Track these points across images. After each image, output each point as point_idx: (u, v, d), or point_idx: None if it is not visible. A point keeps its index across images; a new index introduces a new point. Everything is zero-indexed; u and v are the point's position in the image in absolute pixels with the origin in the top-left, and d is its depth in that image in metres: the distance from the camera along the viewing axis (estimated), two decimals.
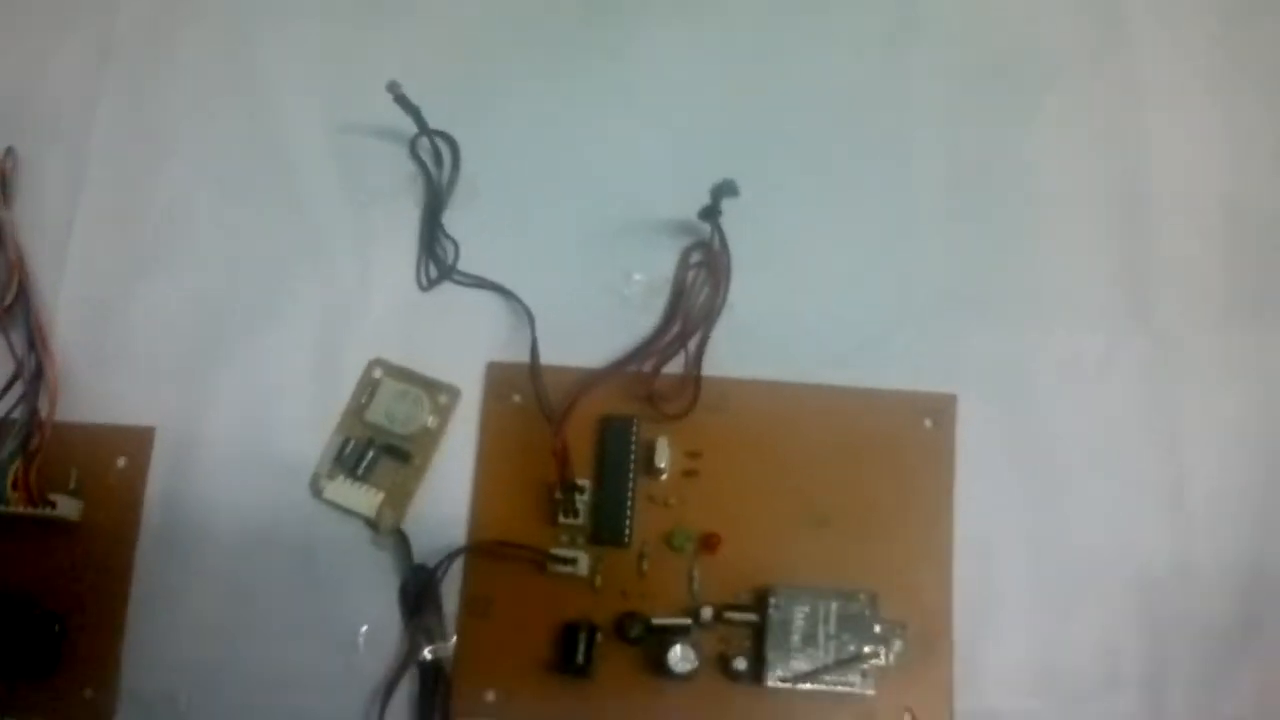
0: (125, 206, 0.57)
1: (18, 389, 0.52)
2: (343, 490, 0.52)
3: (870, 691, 0.48)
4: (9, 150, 0.56)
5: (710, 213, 0.52)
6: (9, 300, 0.53)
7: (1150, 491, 0.52)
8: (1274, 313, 0.54)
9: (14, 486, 0.51)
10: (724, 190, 0.50)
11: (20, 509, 0.51)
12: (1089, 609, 0.51)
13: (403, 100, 0.53)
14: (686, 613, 0.50)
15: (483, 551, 0.51)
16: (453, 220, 0.56)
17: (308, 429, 0.53)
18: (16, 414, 0.52)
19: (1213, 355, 0.53)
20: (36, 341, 0.53)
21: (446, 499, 0.52)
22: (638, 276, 0.55)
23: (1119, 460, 0.52)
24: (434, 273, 0.55)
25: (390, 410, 0.52)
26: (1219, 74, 0.56)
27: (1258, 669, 0.50)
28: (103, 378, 0.54)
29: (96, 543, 0.52)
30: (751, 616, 0.49)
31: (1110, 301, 0.54)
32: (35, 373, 0.52)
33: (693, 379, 0.52)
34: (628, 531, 0.51)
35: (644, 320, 0.54)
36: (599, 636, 0.50)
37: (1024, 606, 0.50)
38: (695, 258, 0.54)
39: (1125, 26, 0.57)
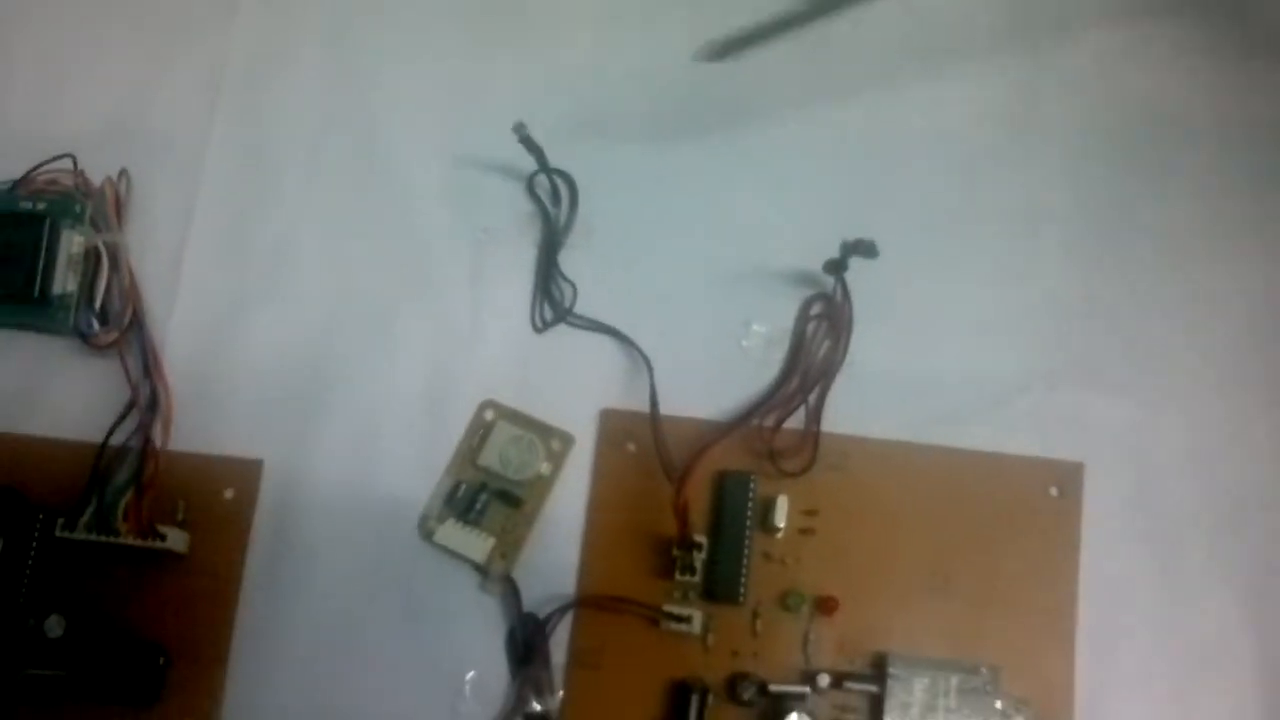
0: (237, 235, 0.56)
1: (133, 418, 0.52)
2: (453, 534, 0.51)
3: None
4: (123, 172, 0.56)
5: (837, 266, 0.51)
6: (125, 326, 0.53)
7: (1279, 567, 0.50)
8: None
9: (124, 517, 0.50)
10: (859, 248, 0.49)
11: (130, 540, 0.50)
12: (1215, 694, 0.49)
13: (527, 141, 0.52)
14: (800, 675, 0.49)
15: (594, 604, 0.50)
16: (569, 261, 0.55)
17: (416, 468, 0.53)
18: (131, 443, 0.51)
19: None
20: (151, 369, 0.52)
21: (556, 547, 0.52)
22: (757, 327, 0.54)
23: (1249, 536, 0.50)
24: (549, 314, 0.54)
25: (504, 455, 0.52)
26: None
27: None
28: (212, 408, 0.54)
29: (203, 576, 0.52)
30: (872, 688, 0.48)
31: (1243, 372, 0.52)
32: (150, 401, 0.52)
33: (812, 435, 0.51)
34: (742, 590, 0.50)
35: (762, 373, 0.53)
36: (710, 698, 0.49)
37: (1150, 687, 0.49)
38: (816, 309, 0.53)
39: (1258, 88, 0.55)
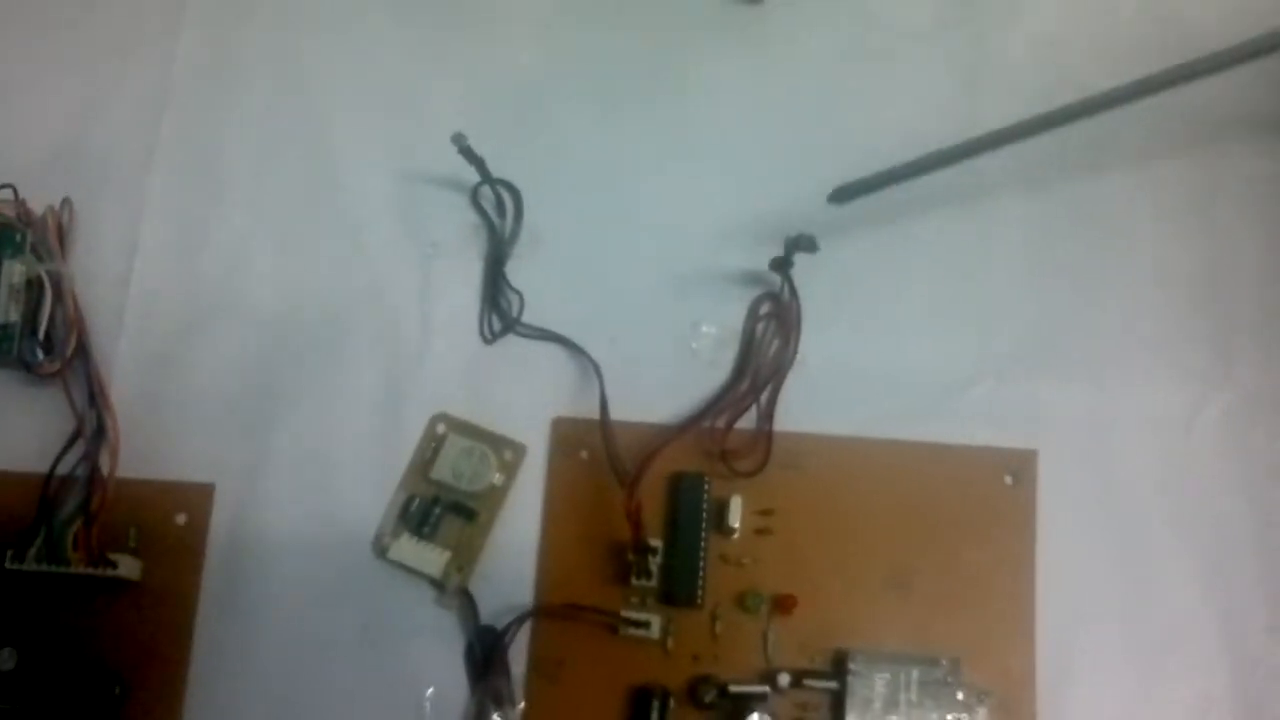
0: (184, 259, 0.56)
1: (79, 447, 0.51)
2: (408, 549, 0.51)
3: None
4: (65, 201, 0.55)
5: (782, 264, 0.51)
6: (69, 355, 0.52)
7: (1239, 548, 0.50)
8: None
9: (74, 546, 0.50)
10: (800, 244, 0.49)
11: (81, 569, 0.50)
12: (1179, 673, 0.49)
13: (467, 152, 0.52)
14: (762, 676, 0.48)
15: (552, 614, 0.50)
16: (516, 271, 0.55)
17: (369, 485, 0.52)
18: (78, 471, 0.51)
19: None
20: (97, 397, 0.52)
21: (512, 558, 0.51)
22: (706, 328, 0.54)
23: (1206, 517, 0.50)
24: (498, 325, 0.54)
25: (456, 467, 0.51)
26: None
27: None
28: (162, 433, 0.53)
29: (157, 602, 0.51)
30: (832, 684, 0.47)
31: (1195, 354, 0.52)
32: (96, 430, 0.51)
33: (765, 435, 0.51)
34: (700, 593, 0.49)
35: (713, 374, 0.53)
36: (671, 702, 0.48)
37: (1111, 672, 0.49)
38: (765, 309, 0.53)
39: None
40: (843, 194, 0.52)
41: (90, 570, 0.50)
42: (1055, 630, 0.49)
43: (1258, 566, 0.50)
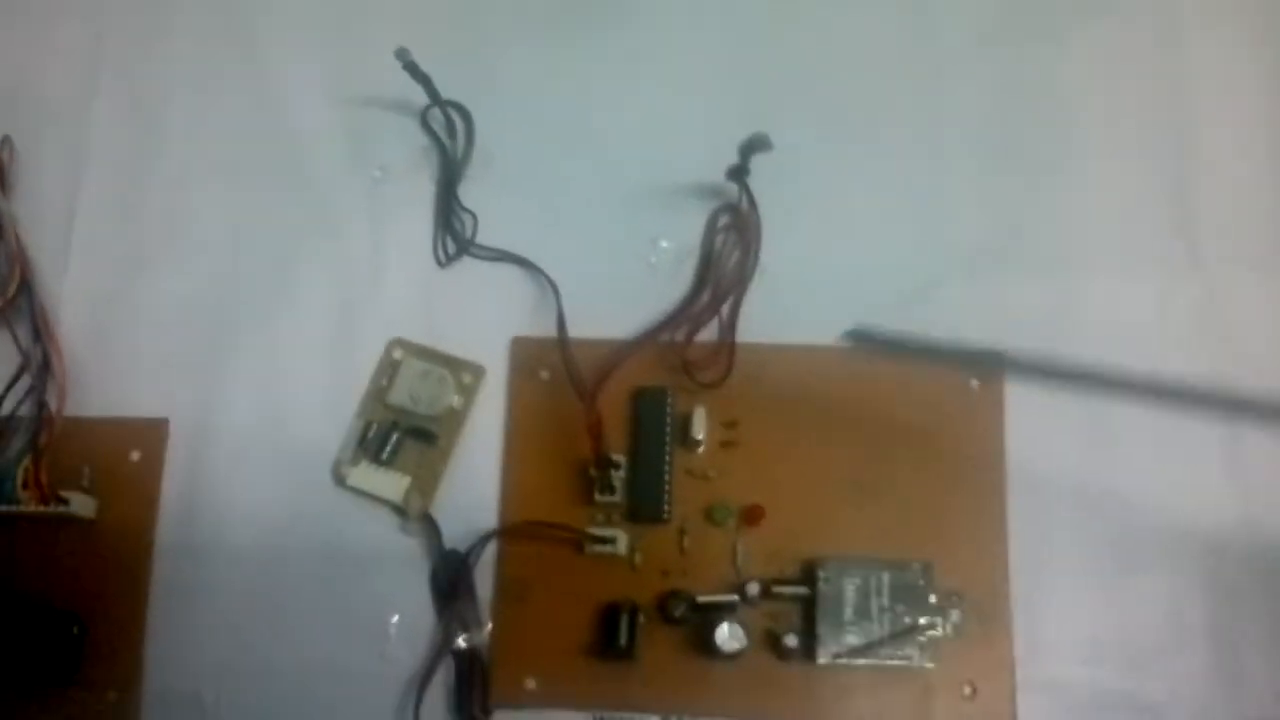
0: (128, 194, 0.55)
1: (24, 383, 0.50)
2: (367, 476, 0.50)
3: (929, 664, 0.46)
4: (5, 139, 0.54)
5: (738, 172, 0.50)
6: (11, 293, 0.51)
7: (1208, 445, 0.49)
8: None
9: (24, 485, 0.49)
10: (755, 145, 0.47)
11: (32, 508, 0.49)
12: (1151, 570, 0.48)
13: (412, 68, 0.51)
14: (732, 589, 0.47)
15: (516, 534, 0.49)
16: (469, 193, 0.54)
17: (327, 414, 0.51)
18: (24, 409, 0.50)
19: (1265, 301, 0.51)
20: (42, 334, 0.51)
21: (475, 481, 0.50)
22: (664, 243, 0.53)
23: (1175, 414, 0.50)
24: (452, 248, 0.53)
25: (414, 391, 0.50)
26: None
27: None
28: (113, 370, 0.52)
29: (113, 540, 0.50)
30: (802, 590, 0.47)
31: (1158, 244, 0.52)
32: (42, 366, 0.50)
33: (727, 346, 0.50)
34: (667, 507, 0.49)
35: (673, 288, 0.52)
36: (641, 617, 0.47)
37: (1084, 570, 0.48)
38: (723, 220, 0.52)
39: None
40: (859, 336, 0.51)
41: (42, 509, 0.49)
42: (1027, 531, 0.48)
43: (1227, 459, 0.49)
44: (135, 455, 0.51)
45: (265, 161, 0.55)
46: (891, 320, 0.51)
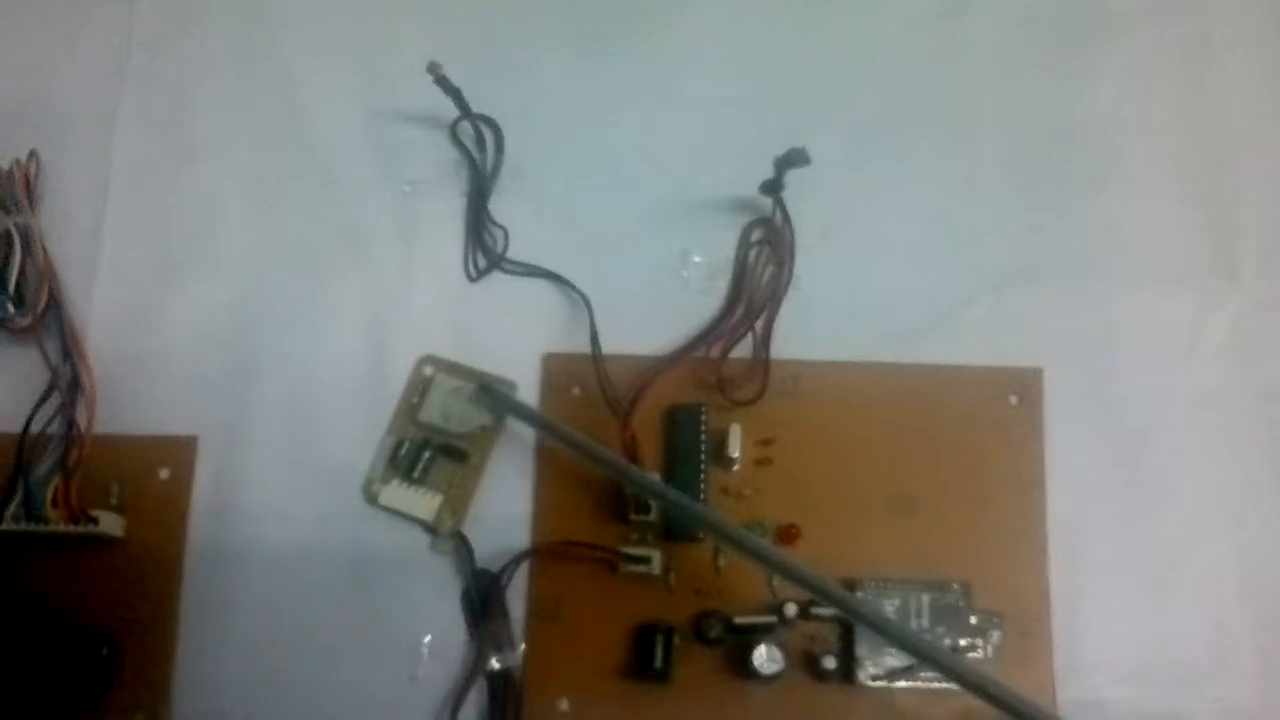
0: (155, 209, 0.54)
1: (54, 401, 0.50)
2: (398, 495, 0.49)
3: None
4: (32, 154, 0.54)
5: (773, 187, 0.50)
6: (40, 309, 0.50)
7: (1249, 459, 0.49)
8: None
9: (54, 504, 0.48)
10: (792, 159, 0.47)
11: (61, 527, 0.48)
12: (1192, 588, 0.48)
13: (443, 81, 0.50)
14: (768, 610, 0.47)
15: (549, 553, 0.48)
16: (500, 207, 0.53)
17: (357, 432, 0.51)
18: (54, 427, 0.49)
19: None
20: (72, 351, 0.50)
21: (507, 499, 0.50)
22: (697, 258, 0.52)
23: (1215, 428, 0.49)
24: (483, 262, 0.53)
25: (445, 409, 0.50)
26: None
27: None
28: (141, 387, 0.52)
29: (142, 559, 0.50)
30: (840, 613, 0.46)
31: (1196, 260, 0.51)
32: (71, 383, 0.50)
33: (761, 363, 0.50)
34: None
35: (706, 304, 0.52)
36: (676, 638, 0.47)
37: (1124, 589, 0.48)
38: (756, 235, 0.52)
39: None
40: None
41: (71, 528, 0.48)
42: (1066, 549, 0.48)
43: (1266, 473, 0.49)
44: (164, 473, 0.50)
45: (295, 175, 0.54)
46: (927, 338, 0.50)
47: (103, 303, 0.53)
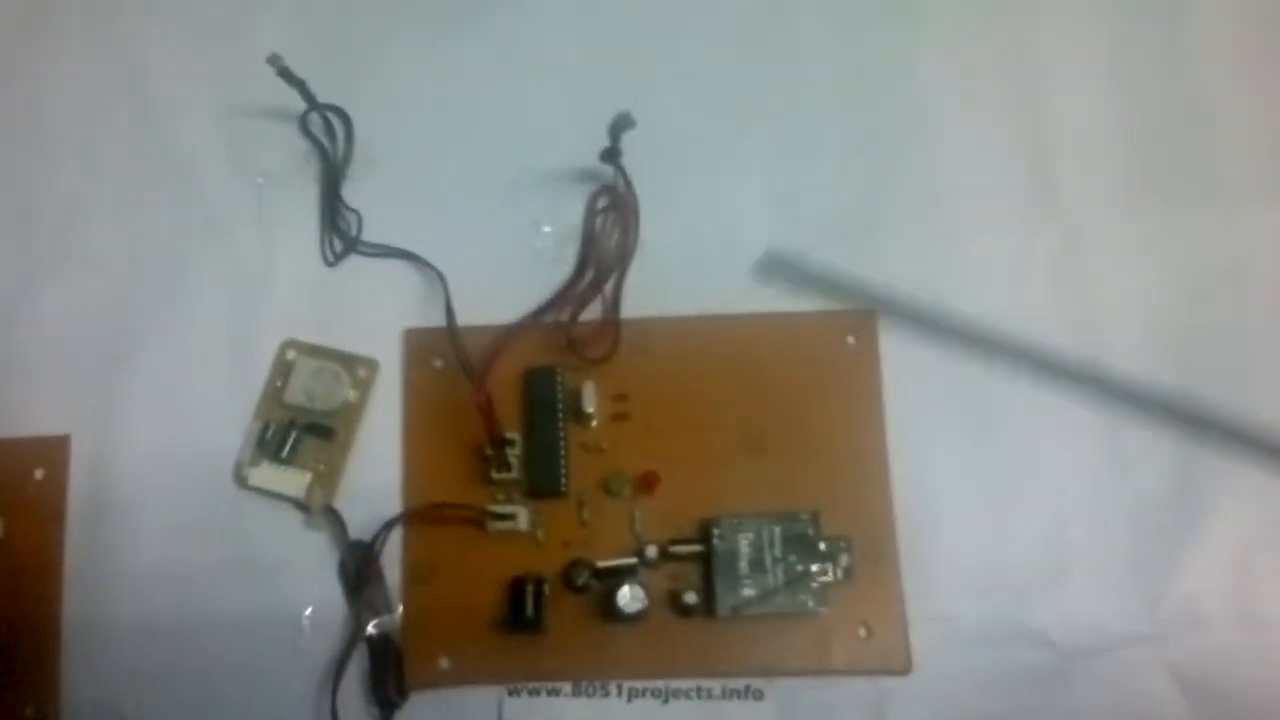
0: (15, 214, 0.55)
1: None
2: (268, 475, 0.51)
3: (823, 609, 0.48)
4: None
5: (612, 154, 0.52)
6: None
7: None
8: (1174, 187, 0.54)
9: None
10: (621, 124, 0.49)
11: None
12: (1029, 505, 0.51)
13: (286, 73, 0.52)
14: (631, 554, 0.49)
15: (419, 517, 0.50)
16: (353, 192, 0.55)
17: (226, 419, 0.52)
18: None
19: (1124, 236, 0.53)
20: None
21: (377, 472, 0.51)
22: (546, 228, 0.54)
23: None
24: (339, 246, 0.54)
25: (309, 388, 0.51)
26: None
27: (1204, 541, 0.50)
28: (9, 389, 0.53)
29: (22, 558, 0.50)
30: (696, 548, 0.48)
31: (1016, 197, 0.54)
32: None
33: (612, 323, 0.52)
34: (564, 481, 0.50)
35: (558, 271, 0.54)
36: (546, 589, 0.49)
37: (966, 510, 0.50)
38: (603, 202, 0.54)
39: None
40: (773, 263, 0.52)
41: None
42: (909, 476, 0.50)
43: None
44: (39, 473, 0.51)
45: (152, 172, 0.56)
46: (768, 290, 0.53)
47: None
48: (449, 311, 0.51)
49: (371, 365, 0.52)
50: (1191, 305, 0.53)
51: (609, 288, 0.52)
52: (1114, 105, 0.56)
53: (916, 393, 0.52)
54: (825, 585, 0.48)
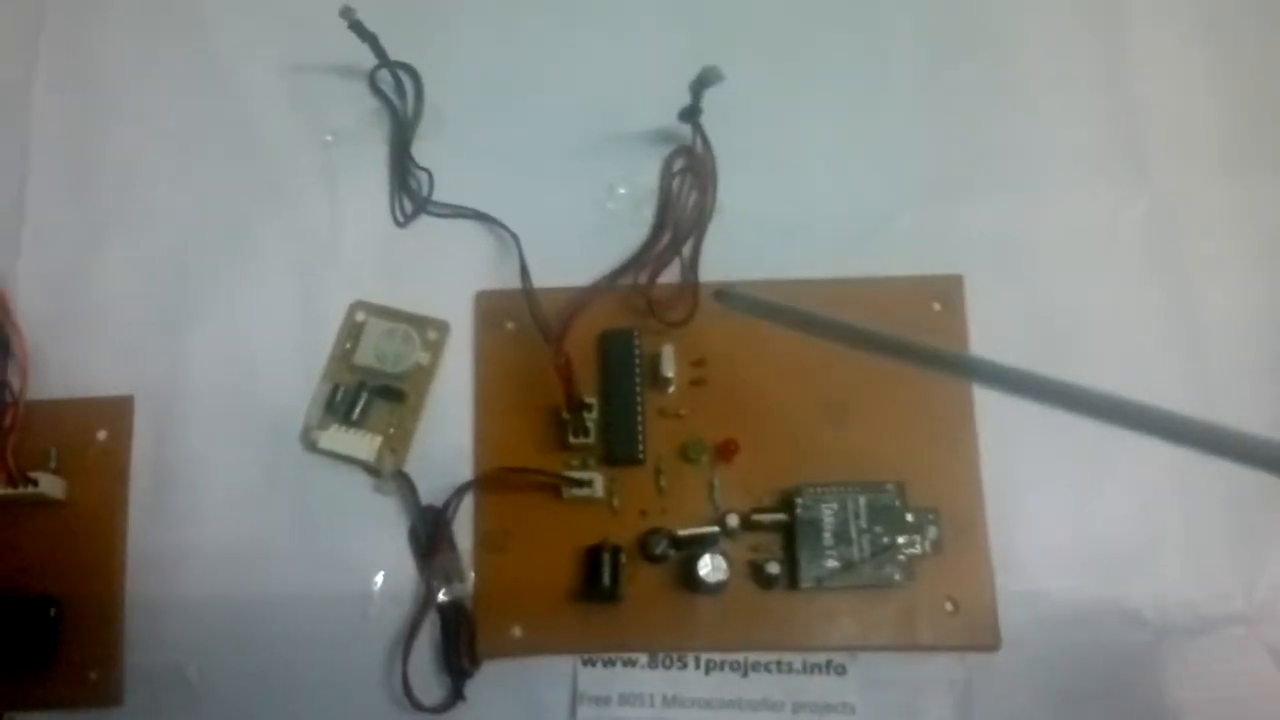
0: (78, 171, 0.54)
1: None
2: (338, 438, 0.49)
3: (909, 582, 0.47)
4: None
5: (692, 112, 0.50)
6: None
7: (1167, 350, 0.51)
8: (1267, 158, 0.52)
9: None
10: (706, 79, 0.48)
11: (0, 491, 0.48)
12: (1121, 479, 0.49)
13: (358, 27, 0.50)
14: (711, 523, 0.48)
15: (492, 483, 0.49)
16: (423, 151, 0.54)
17: (293, 381, 0.51)
18: None
19: (1215, 207, 0.52)
20: (1, 317, 0.50)
21: (448, 436, 0.50)
22: (621, 189, 0.53)
23: (1133, 323, 0.51)
24: (409, 207, 0.53)
25: (379, 350, 0.50)
26: None
27: None
28: (74, 350, 0.52)
29: (85, 520, 0.49)
30: (780, 517, 0.47)
31: (1107, 163, 0.53)
32: (2, 349, 0.50)
33: (691, 285, 0.50)
34: (641, 448, 0.49)
35: (632, 233, 0.52)
36: (623, 558, 0.47)
37: (1055, 483, 0.49)
38: (679, 163, 0.53)
39: None
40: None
41: (9, 491, 0.48)
42: (997, 447, 0.49)
43: (1185, 364, 0.50)
44: (102, 434, 0.50)
45: (216, 132, 0.55)
46: (851, 253, 0.51)
47: (29, 268, 0.53)
48: (524, 273, 0.50)
49: (442, 327, 0.51)
50: None
51: (687, 250, 0.51)
52: (1205, 72, 0.54)
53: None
54: (912, 558, 0.47)
